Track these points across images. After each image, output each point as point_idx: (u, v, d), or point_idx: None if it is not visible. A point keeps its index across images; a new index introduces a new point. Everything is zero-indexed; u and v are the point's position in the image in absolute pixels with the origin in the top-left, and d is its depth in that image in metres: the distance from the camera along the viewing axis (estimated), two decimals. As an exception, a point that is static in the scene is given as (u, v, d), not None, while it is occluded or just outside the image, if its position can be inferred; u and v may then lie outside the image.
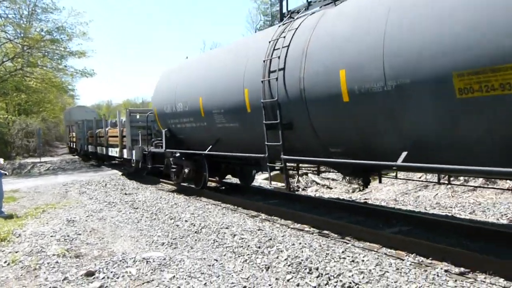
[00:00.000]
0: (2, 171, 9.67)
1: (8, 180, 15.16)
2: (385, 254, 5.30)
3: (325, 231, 6.50)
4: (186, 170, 10.41)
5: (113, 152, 16.28)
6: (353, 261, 4.88)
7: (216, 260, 5.20)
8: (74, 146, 28.32)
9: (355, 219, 7.15)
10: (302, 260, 4.95)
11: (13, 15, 27.52)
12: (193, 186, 11.12)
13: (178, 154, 10.81)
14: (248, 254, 5.41)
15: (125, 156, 14.60)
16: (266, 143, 6.91)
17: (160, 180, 13.62)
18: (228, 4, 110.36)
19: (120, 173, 16.68)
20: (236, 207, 8.85)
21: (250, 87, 7.26)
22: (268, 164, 7.13)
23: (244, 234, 6.34)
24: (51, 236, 6.55)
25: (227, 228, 6.77)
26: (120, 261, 5.15)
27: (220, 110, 8.19)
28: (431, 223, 6.46)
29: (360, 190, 10.48)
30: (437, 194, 9.01)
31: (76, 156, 27.62)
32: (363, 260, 4.87)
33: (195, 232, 6.74)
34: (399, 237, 5.72)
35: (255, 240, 5.98)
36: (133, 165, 13.73)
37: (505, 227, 6.32)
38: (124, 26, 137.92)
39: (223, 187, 11.80)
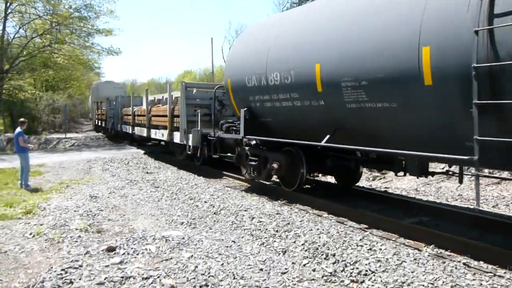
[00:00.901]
0: (28, 145, 9.93)
1: (34, 155, 15.57)
2: (403, 244, 5.26)
3: (343, 218, 6.49)
4: (275, 165, 7.86)
5: (158, 134, 13.89)
6: (370, 249, 4.87)
7: (234, 242, 5.26)
8: (103, 124, 26.55)
9: (375, 207, 7.10)
10: (319, 245, 4.96)
11: (43, -8, 27.85)
12: (274, 185, 9.06)
13: (254, 142, 8.77)
14: (266, 238, 5.45)
15: (176, 140, 12.12)
16: (477, 137, 4.15)
17: (224, 173, 10.94)
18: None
19: (143, 151, 16.93)
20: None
21: (436, 42, 4.54)
22: (477, 173, 4.28)
23: (262, 217, 6.37)
24: (74, 211, 6.72)
25: (245, 210, 6.82)
26: (140, 238, 5.26)
27: (358, 81, 5.51)
28: (452, 215, 6.38)
29: (380, 179, 10.38)
30: (459, 186, 8.86)
31: (100, 134, 28.04)
32: (380, 249, 4.85)
33: (214, 213, 6.81)
34: (418, 227, 5.67)
35: (273, 223, 6.01)
36: (189, 152, 11.48)
37: (528, 222, 6.19)
38: (150, 4, 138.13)
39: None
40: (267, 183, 8.94)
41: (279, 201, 7.83)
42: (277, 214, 6.55)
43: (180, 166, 12.73)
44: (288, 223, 6.02)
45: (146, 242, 5.10)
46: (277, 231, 5.69)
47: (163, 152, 15.48)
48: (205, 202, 7.56)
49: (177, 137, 11.98)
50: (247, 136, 8.21)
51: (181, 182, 9.77)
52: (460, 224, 6.02)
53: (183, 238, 5.24)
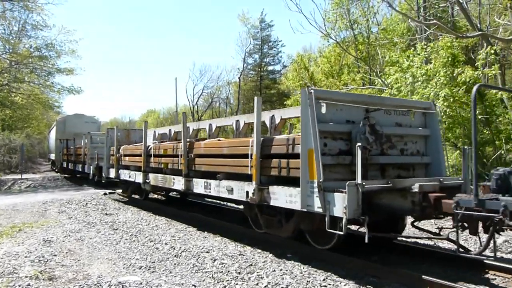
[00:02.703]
0: None
1: (-14, 197, 14.76)
2: (367, 282, 5.21)
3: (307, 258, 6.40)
4: None
5: (238, 192, 7.03)
6: (334, 289, 4.78)
7: (195, 286, 5.07)
8: (78, 168, 20.26)
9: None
10: (282, 287, 4.84)
11: (3, 31, 27.45)
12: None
13: None
14: (228, 280, 5.28)
15: (295, 205, 5.74)
16: None
17: None
18: (218, 25, 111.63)
19: (102, 192, 16.39)
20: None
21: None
22: None
23: (224, 259, 6.21)
24: (25, 257, 6.35)
25: (207, 252, 6.64)
26: (95, 285, 4.98)
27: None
28: (412, 251, 6.41)
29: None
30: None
31: (59, 174, 27.04)
32: (344, 289, 4.78)
33: (175, 255, 6.58)
34: (379, 266, 5.64)
35: (236, 265, 5.86)
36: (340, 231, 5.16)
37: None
38: (112, 45, 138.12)
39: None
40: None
41: (242, 242, 7.68)
42: (239, 255, 6.40)
43: (141, 206, 12.37)
44: (251, 264, 5.89)
45: (101, 288, 4.83)
46: (239, 273, 5.54)
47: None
48: (166, 244, 7.32)
49: (293, 199, 5.80)
50: None
51: (141, 223, 9.47)
52: (421, 260, 6.04)
53: (141, 284, 5.00)
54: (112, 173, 13.63)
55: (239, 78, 52.92)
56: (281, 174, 6.17)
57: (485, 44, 15.70)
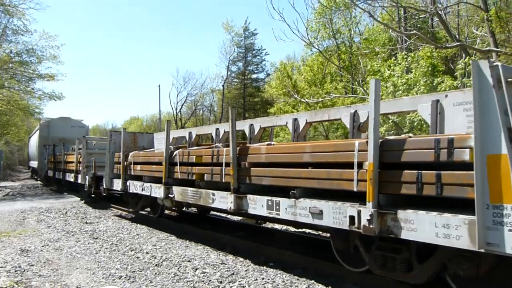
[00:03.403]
0: None
1: (-38, 205, 14.40)
2: (348, 291, 5.24)
3: (289, 266, 6.39)
4: None
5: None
6: (315, 298, 4.78)
7: (175, 296, 5.00)
8: (69, 178, 17.46)
9: (321, 253, 7.05)
10: (263, 296, 4.82)
11: (-18, 36, 26.96)
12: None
13: None
14: (209, 290, 5.23)
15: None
16: None
17: None
18: (202, 33, 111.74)
19: (82, 200, 16.14)
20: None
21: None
22: None
23: (206, 268, 6.16)
24: (1, 267, 6.20)
25: (189, 261, 6.58)
26: (73, 295, 4.88)
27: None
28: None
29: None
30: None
31: (39, 182, 26.49)
32: (325, 298, 4.78)
33: (156, 265, 6.50)
34: (363, 275, 5.64)
35: (217, 274, 5.81)
36: None
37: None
38: (94, 51, 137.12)
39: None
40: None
41: (224, 250, 7.63)
42: (221, 263, 6.36)
43: (121, 215, 12.20)
44: (233, 273, 5.85)
45: (79, 299, 4.74)
46: (221, 282, 5.50)
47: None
48: (147, 253, 7.23)
49: (453, 232, 3.76)
50: None
51: (122, 232, 9.34)
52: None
53: (120, 294, 4.92)
54: (118, 185, 11.03)
55: (223, 85, 52.93)
56: (422, 192, 4.01)
57: (463, 55, 16.05)
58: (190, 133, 9.66)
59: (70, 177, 17.21)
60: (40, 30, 30.63)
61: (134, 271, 6.15)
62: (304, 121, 6.77)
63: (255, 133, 7.62)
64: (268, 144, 6.38)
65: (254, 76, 54.03)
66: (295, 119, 6.86)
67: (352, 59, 26.70)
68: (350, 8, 22.86)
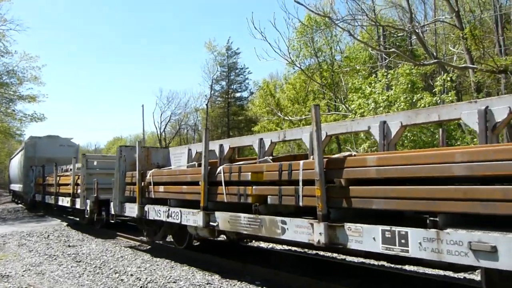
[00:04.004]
0: None
1: None
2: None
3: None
4: None
5: None
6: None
7: (161, 318, 4.94)
8: (62, 202, 15.01)
9: (307, 271, 7.07)
10: (250, 316, 4.79)
11: (-39, 58, 26.69)
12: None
13: None
14: (195, 311, 5.18)
15: None
16: None
17: None
18: (185, 52, 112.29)
19: (65, 223, 15.86)
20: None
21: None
22: None
23: (192, 288, 6.10)
24: (-19, 294, 6.04)
25: (174, 282, 6.52)
26: (56, 320, 4.78)
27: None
28: (380, 276, 6.49)
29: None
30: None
31: (20, 205, 25.87)
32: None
33: (141, 287, 6.42)
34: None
35: (203, 295, 5.77)
36: None
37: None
38: (77, 72, 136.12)
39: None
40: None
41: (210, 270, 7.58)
42: (207, 284, 6.32)
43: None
44: (219, 293, 5.81)
45: (62, 324, 4.65)
46: (207, 302, 5.46)
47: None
48: (131, 275, 7.13)
49: None
50: None
51: (106, 254, 9.20)
52: (389, 286, 6.12)
53: (105, 317, 4.84)
54: (132, 211, 9.19)
55: (206, 105, 53.10)
56: None
57: (442, 71, 16.47)
58: (221, 146, 7.87)
59: (64, 202, 14.67)
60: (20, 51, 30.32)
61: (119, 294, 6.05)
62: (398, 124, 5.23)
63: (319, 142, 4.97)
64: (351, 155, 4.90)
65: (237, 94, 54.49)
66: (384, 122, 5.34)
67: (334, 77, 27.12)
68: (331, 27, 23.34)
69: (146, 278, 6.80)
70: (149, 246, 10.08)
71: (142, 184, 8.93)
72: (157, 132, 58.39)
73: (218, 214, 6.58)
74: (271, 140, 6.97)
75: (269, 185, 5.78)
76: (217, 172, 6.77)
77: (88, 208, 12.25)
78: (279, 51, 27.67)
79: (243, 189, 6.12)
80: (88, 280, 6.94)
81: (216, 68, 53.02)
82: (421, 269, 6.71)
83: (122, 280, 6.89)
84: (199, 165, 7.46)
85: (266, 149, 6.94)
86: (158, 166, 9.67)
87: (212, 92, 53.85)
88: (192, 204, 7.33)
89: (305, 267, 7.35)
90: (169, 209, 7.94)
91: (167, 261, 8.34)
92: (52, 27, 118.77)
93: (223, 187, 6.51)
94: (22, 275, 7.40)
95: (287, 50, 23.51)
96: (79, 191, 13.04)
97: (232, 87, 53.92)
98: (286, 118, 25.16)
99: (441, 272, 6.44)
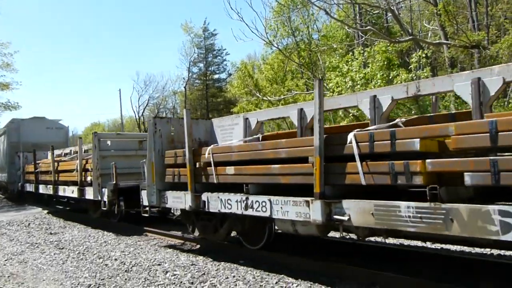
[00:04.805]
0: None
1: None
2: (318, 282, 5.37)
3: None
4: None
5: None
6: (285, 291, 4.87)
7: (147, 299, 5.00)
8: (67, 193, 12.34)
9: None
10: (235, 293, 4.88)
11: None
12: None
13: None
14: (181, 291, 5.25)
15: None
16: None
17: None
18: (161, 35, 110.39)
19: (46, 211, 15.69)
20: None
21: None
22: None
23: (176, 270, 6.18)
24: (-37, 285, 5.99)
25: (159, 265, 6.58)
26: (41, 307, 4.80)
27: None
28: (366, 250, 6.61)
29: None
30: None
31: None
32: (295, 290, 4.87)
33: (125, 270, 6.46)
34: (335, 265, 5.74)
35: (188, 275, 5.85)
36: None
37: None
38: (49, 58, 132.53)
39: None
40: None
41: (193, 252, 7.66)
42: (192, 265, 6.40)
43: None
44: (204, 273, 5.91)
45: (48, 310, 4.67)
46: (192, 283, 5.55)
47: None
48: (115, 259, 7.16)
49: None
50: None
51: (89, 240, 9.19)
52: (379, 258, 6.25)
53: (91, 302, 4.88)
54: (180, 201, 7.12)
55: (184, 87, 52.66)
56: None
57: (417, 48, 16.67)
58: (301, 110, 6.18)
59: (67, 192, 12.32)
60: (-10, 37, 29.36)
61: (104, 279, 6.09)
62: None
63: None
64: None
65: (216, 76, 54.12)
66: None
67: (311, 56, 27.12)
68: (307, 6, 23.25)
69: (131, 262, 6.83)
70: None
71: (197, 166, 6.77)
72: (135, 116, 57.76)
73: (348, 203, 4.63)
74: (392, 97, 5.11)
75: (466, 156, 3.87)
76: (346, 141, 4.67)
77: (105, 198, 9.98)
78: (256, 31, 27.52)
79: (403, 165, 4.12)
80: (72, 267, 6.95)
81: (193, 50, 52.49)
82: None
83: (106, 265, 6.91)
84: (265, 138, 6.36)
85: (384, 110, 5.18)
86: (200, 142, 7.92)
87: (190, 74, 53.47)
88: (285, 191, 5.56)
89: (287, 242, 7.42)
90: (247, 198, 5.84)
91: (151, 245, 8.36)
92: (26, 12, 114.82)
93: (358, 162, 4.50)
94: (4, 264, 7.35)
95: (264, 30, 23.41)
96: (89, 178, 10.89)
97: (210, 69, 53.54)
98: (265, 98, 25.17)
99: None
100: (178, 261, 6.70)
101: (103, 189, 10.13)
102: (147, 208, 8.39)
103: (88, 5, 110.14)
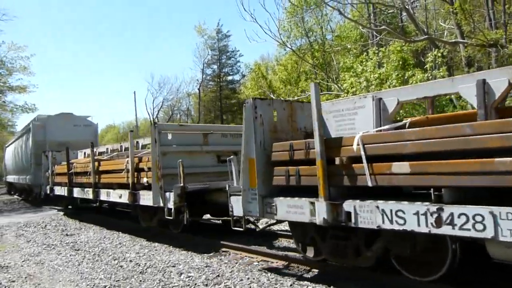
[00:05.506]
0: None
1: None
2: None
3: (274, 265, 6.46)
4: None
5: None
6: (301, 294, 4.79)
7: (161, 301, 5.00)
8: (111, 198, 10.43)
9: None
10: (250, 296, 4.84)
11: None
12: None
13: None
14: (195, 293, 5.24)
15: None
16: None
17: None
18: (175, 37, 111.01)
19: (62, 213, 15.87)
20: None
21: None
22: None
23: (191, 271, 6.18)
24: (-19, 285, 6.07)
25: (173, 266, 6.58)
26: (57, 308, 4.83)
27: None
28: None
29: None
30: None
31: (15, 197, 25.70)
32: (311, 293, 4.79)
33: (140, 272, 6.48)
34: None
35: (203, 277, 5.84)
36: None
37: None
38: (65, 60, 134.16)
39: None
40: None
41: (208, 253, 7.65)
42: (206, 267, 6.39)
43: (103, 224, 12.04)
44: (218, 275, 5.89)
45: (64, 312, 4.70)
46: (206, 285, 5.53)
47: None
48: (130, 261, 7.19)
49: None
50: None
51: (104, 242, 9.25)
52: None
53: (106, 303, 4.89)
54: (301, 211, 5.06)
55: (198, 89, 52.82)
56: None
57: (432, 47, 16.46)
58: (484, 80, 4.05)
59: (113, 197, 10.32)
60: (8, 41, 29.78)
61: (119, 280, 6.11)
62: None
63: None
64: None
65: (229, 78, 54.21)
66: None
67: (325, 57, 27.01)
68: (321, 6, 23.15)
69: (145, 264, 6.85)
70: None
71: (336, 162, 4.67)
72: (150, 118, 58.11)
73: None
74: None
75: None
76: None
77: (171, 204, 7.90)
78: (269, 32, 27.58)
79: None
80: (87, 268, 6.99)
81: (207, 52, 52.60)
82: None
83: (121, 266, 6.94)
84: (413, 125, 4.63)
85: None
86: (306, 133, 6.03)
87: (204, 76, 53.55)
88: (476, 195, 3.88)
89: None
90: (440, 209, 3.77)
91: (165, 246, 8.37)
92: (40, 16, 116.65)
93: None
94: (22, 265, 7.44)
95: (277, 31, 23.34)
96: (144, 180, 8.93)
97: (224, 70, 53.63)
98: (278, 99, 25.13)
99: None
100: (193, 263, 6.70)
101: (167, 193, 8.09)
102: (242, 221, 6.17)
103: (102, 10, 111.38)
